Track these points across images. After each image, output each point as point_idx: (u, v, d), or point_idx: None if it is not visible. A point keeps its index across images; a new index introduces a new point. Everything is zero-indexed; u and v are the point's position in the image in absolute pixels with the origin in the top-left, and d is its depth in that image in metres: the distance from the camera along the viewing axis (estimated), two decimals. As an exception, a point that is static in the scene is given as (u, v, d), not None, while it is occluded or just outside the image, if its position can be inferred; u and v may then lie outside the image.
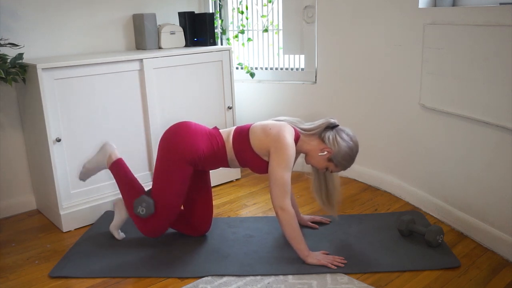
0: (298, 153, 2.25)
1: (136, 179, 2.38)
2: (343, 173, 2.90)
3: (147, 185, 2.84)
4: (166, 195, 2.21)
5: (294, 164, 2.18)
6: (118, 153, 2.42)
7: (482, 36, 2.18)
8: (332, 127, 2.20)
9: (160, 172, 2.22)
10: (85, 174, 2.45)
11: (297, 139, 2.19)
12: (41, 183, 2.73)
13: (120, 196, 2.41)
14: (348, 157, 2.17)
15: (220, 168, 2.33)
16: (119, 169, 2.37)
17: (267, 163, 2.18)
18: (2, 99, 2.70)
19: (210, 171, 2.43)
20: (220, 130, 2.31)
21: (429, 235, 2.23)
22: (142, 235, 2.43)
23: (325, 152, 2.17)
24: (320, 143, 2.20)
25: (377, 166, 3.07)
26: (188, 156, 2.17)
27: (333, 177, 2.32)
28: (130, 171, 2.39)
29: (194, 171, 2.27)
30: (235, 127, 2.30)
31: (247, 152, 2.20)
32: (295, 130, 2.20)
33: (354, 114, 3.11)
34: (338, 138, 2.16)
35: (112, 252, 2.30)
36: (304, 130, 2.23)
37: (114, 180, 2.41)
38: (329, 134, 2.18)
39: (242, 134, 2.22)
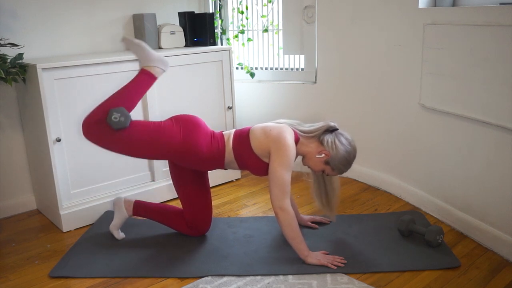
0: (296, 155, 2.25)
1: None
2: (344, 173, 2.90)
3: (148, 185, 2.85)
4: (141, 132, 2.13)
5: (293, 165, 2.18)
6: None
7: (482, 36, 2.18)
8: (331, 130, 2.21)
9: (156, 125, 2.18)
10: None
11: (296, 141, 2.19)
12: (41, 183, 2.73)
13: (120, 196, 2.40)
14: (345, 161, 2.18)
15: (216, 169, 2.32)
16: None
17: (267, 164, 2.18)
18: (2, 99, 2.70)
19: (210, 171, 2.43)
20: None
21: (429, 235, 2.23)
22: (143, 235, 2.44)
23: (323, 155, 2.18)
24: (318, 146, 2.20)
25: (377, 166, 3.07)
26: (185, 145, 2.16)
27: (333, 180, 2.33)
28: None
29: (192, 171, 2.27)
30: (234, 130, 2.30)
31: (247, 154, 2.20)
32: (295, 132, 2.21)
33: (354, 114, 3.11)
34: (337, 142, 2.16)
35: (112, 252, 2.30)
36: (304, 132, 2.23)
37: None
38: (328, 137, 2.18)
39: (242, 136, 2.22)
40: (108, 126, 2.07)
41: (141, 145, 2.14)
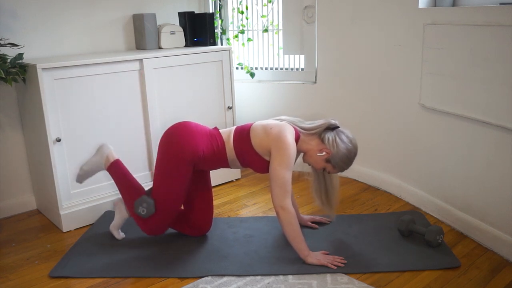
0: (298, 152, 2.25)
1: (134, 179, 2.39)
2: (343, 173, 2.89)
3: (148, 185, 2.85)
4: (166, 195, 2.22)
5: (294, 163, 2.18)
6: (115, 154, 2.41)
7: (482, 36, 2.18)
8: (332, 128, 2.21)
9: (161, 172, 2.23)
10: (82, 176, 2.44)
11: (297, 139, 2.19)
12: (41, 183, 2.73)
13: (120, 196, 2.41)
14: (346, 159, 2.18)
15: (220, 168, 2.33)
16: (117, 171, 2.37)
17: (268, 162, 2.18)
18: (2, 99, 2.70)
19: (210, 171, 2.43)
20: (220, 130, 2.31)
21: (429, 235, 2.23)
22: (143, 235, 2.43)
23: (324, 153, 2.18)
24: (319, 144, 2.20)
25: (377, 166, 3.07)
26: (188, 157, 2.17)
27: (333, 178, 2.32)
28: (128, 171, 2.39)
29: (194, 171, 2.27)
30: (235, 127, 2.30)
31: (248, 152, 2.20)
32: (295, 130, 2.20)
33: (354, 114, 3.11)
34: (338, 140, 2.16)
35: (112, 252, 2.30)
36: (305, 129, 2.23)
37: (113, 181, 2.41)
38: (329, 135, 2.18)
39: (243, 134, 2.22)
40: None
41: (174, 193, 2.23)
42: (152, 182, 2.87)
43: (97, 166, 2.41)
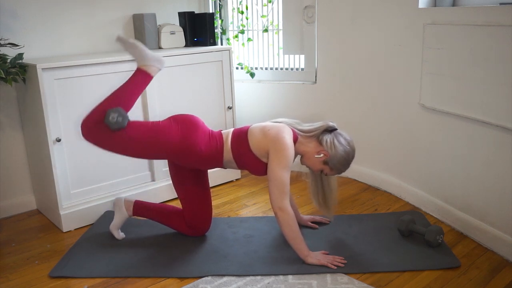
0: (295, 154, 2.25)
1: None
2: (343, 173, 2.89)
3: (148, 185, 2.85)
4: (140, 133, 2.14)
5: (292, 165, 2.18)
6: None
7: (482, 36, 2.18)
8: (330, 130, 2.21)
9: (154, 128, 2.17)
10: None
11: (295, 141, 2.19)
12: (41, 183, 2.73)
13: (120, 196, 2.40)
14: (343, 162, 2.18)
15: (215, 168, 2.32)
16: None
17: (265, 164, 2.18)
18: (2, 99, 2.70)
19: (209, 171, 2.43)
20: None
21: (429, 235, 2.23)
22: (143, 235, 2.44)
23: (322, 155, 2.18)
24: (317, 146, 2.20)
25: (377, 166, 3.07)
26: (183, 144, 2.16)
27: (330, 179, 2.32)
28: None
29: (191, 170, 2.27)
30: (233, 129, 2.30)
31: (246, 154, 2.20)
32: (293, 132, 2.20)
33: (354, 114, 3.11)
34: (336, 142, 2.16)
35: (112, 252, 2.30)
36: (302, 131, 2.23)
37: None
38: (327, 137, 2.18)
39: (241, 136, 2.22)
40: (107, 127, 2.07)
41: (140, 145, 2.14)
42: (152, 182, 2.89)
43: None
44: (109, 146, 2.15)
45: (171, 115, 2.26)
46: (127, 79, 2.20)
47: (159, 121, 2.22)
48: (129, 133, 2.11)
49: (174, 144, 2.15)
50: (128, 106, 2.17)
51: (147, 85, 2.23)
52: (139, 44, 2.21)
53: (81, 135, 2.13)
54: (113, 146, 2.14)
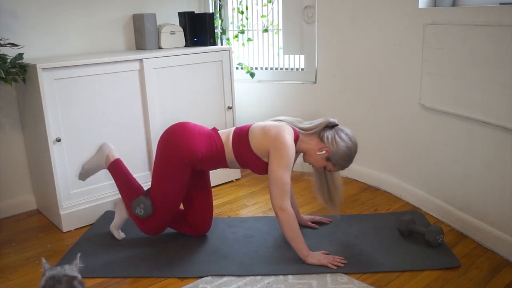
0: (297, 152, 2.25)
1: (134, 179, 2.39)
2: (343, 173, 2.89)
3: (148, 185, 2.85)
4: (164, 196, 2.22)
5: (294, 164, 2.18)
6: (116, 153, 2.42)
7: (482, 36, 2.18)
8: (331, 126, 2.20)
9: (159, 172, 2.23)
10: (84, 174, 2.45)
11: (296, 139, 2.19)
12: (41, 183, 2.73)
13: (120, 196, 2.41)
14: (346, 157, 2.18)
15: (220, 168, 2.33)
16: (117, 170, 2.37)
17: (266, 164, 2.18)
18: (2, 99, 2.70)
19: (210, 171, 2.43)
20: (219, 131, 2.30)
21: (429, 235, 2.23)
22: (143, 235, 2.43)
23: (324, 151, 2.18)
24: (319, 142, 2.20)
25: (377, 166, 3.07)
26: (187, 158, 2.17)
27: (334, 176, 2.32)
28: (128, 171, 2.39)
29: (193, 171, 2.27)
30: (234, 128, 2.30)
31: (247, 153, 2.20)
32: (294, 130, 2.20)
33: (354, 114, 3.11)
34: (337, 138, 2.16)
35: (112, 252, 2.30)
36: (303, 129, 2.23)
37: (113, 180, 2.41)
38: (328, 134, 2.18)
39: (242, 135, 2.22)
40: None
41: (172, 193, 2.22)
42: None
43: (98, 165, 2.42)
44: (161, 218, 2.28)
45: (161, 134, 2.29)
46: (113, 181, 2.39)
47: (155, 160, 2.26)
48: (158, 202, 2.23)
49: (181, 163, 2.18)
50: (137, 188, 2.33)
51: (124, 165, 2.39)
52: (86, 164, 2.43)
53: (148, 235, 2.36)
54: (162, 215, 2.27)
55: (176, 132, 2.23)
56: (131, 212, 2.29)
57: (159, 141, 2.26)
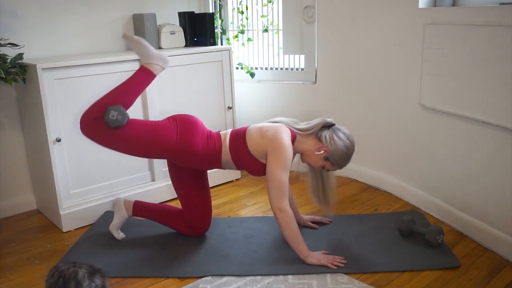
0: (294, 153, 2.25)
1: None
2: (343, 173, 2.89)
3: (148, 185, 2.85)
4: (139, 131, 2.14)
5: (291, 165, 2.18)
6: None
7: (482, 36, 2.18)
8: (328, 126, 2.21)
9: (151, 126, 2.17)
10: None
11: (293, 140, 2.19)
12: (41, 183, 2.73)
13: (120, 196, 2.40)
14: (344, 156, 2.18)
15: (214, 168, 2.32)
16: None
17: (264, 165, 2.18)
18: (2, 99, 2.70)
19: (209, 171, 2.43)
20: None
21: (429, 235, 2.23)
22: (143, 235, 2.44)
23: (322, 151, 2.18)
24: (316, 142, 2.20)
25: (377, 166, 3.07)
26: (181, 144, 2.16)
27: (329, 175, 2.32)
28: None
29: (190, 171, 2.27)
30: (230, 130, 2.30)
31: (244, 155, 2.19)
32: (291, 131, 2.20)
33: (354, 114, 3.11)
34: (335, 137, 2.16)
35: (112, 252, 2.30)
36: (300, 130, 2.23)
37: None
38: (326, 133, 2.18)
39: (239, 137, 2.22)
40: (106, 124, 2.07)
41: (138, 144, 2.14)
42: (152, 182, 2.89)
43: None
44: (107, 142, 2.15)
45: (170, 115, 2.26)
46: (129, 76, 2.19)
47: (159, 120, 2.22)
48: (128, 131, 2.11)
49: (172, 143, 2.15)
50: (129, 104, 2.16)
51: (149, 83, 2.22)
52: (144, 42, 2.20)
53: (80, 129, 2.12)
54: (111, 143, 2.15)
55: (187, 118, 2.23)
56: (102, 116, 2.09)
57: (168, 117, 2.24)
